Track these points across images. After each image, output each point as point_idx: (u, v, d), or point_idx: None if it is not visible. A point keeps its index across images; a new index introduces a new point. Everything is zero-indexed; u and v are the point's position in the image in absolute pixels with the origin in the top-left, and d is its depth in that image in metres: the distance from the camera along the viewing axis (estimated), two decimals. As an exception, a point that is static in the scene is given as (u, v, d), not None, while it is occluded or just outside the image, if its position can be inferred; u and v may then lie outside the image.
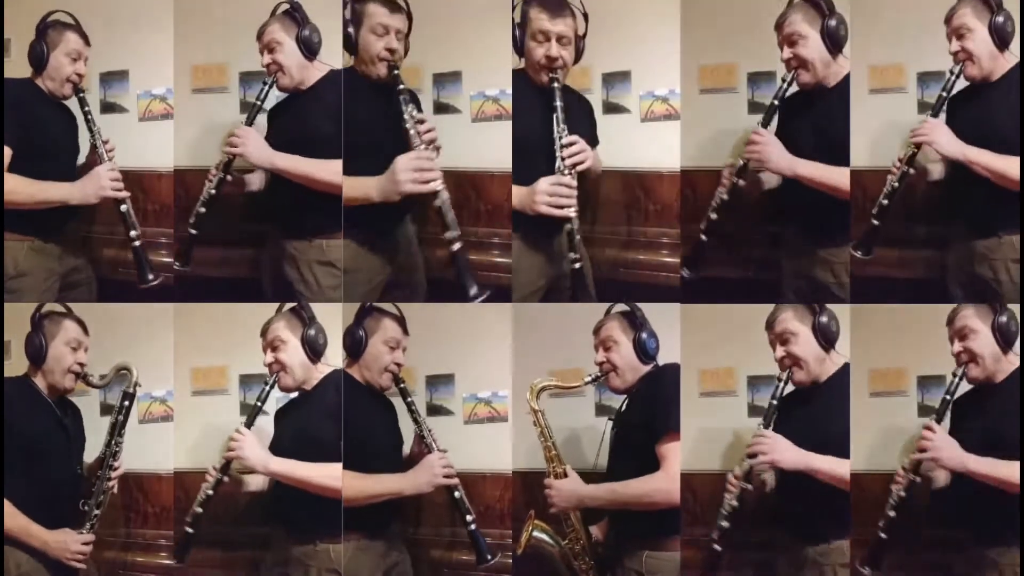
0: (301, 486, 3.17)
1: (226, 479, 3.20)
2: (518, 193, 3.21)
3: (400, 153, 3.17)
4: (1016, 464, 3.02)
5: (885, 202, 3.18)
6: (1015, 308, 3.10)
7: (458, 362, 3.47)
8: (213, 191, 3.26)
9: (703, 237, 3.27)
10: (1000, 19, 3.10)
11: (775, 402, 3.11)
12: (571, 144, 3.19)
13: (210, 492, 3.20)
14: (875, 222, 3.19)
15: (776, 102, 3.21)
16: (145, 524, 3.45)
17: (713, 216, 3.25)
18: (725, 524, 3.13)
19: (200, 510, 3.20)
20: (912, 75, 3.38)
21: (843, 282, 3.23)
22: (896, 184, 3.16)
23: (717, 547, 3.16)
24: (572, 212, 3.19)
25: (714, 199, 3.26)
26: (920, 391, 3.35)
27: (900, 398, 3.35)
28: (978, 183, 3.13)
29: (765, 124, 3.21)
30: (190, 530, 3.22)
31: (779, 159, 3.19)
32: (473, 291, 3.18)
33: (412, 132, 3.16)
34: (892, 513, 3.10)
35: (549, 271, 3.29)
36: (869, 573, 3.13)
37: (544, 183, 3.18)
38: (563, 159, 3.18)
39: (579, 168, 3.21)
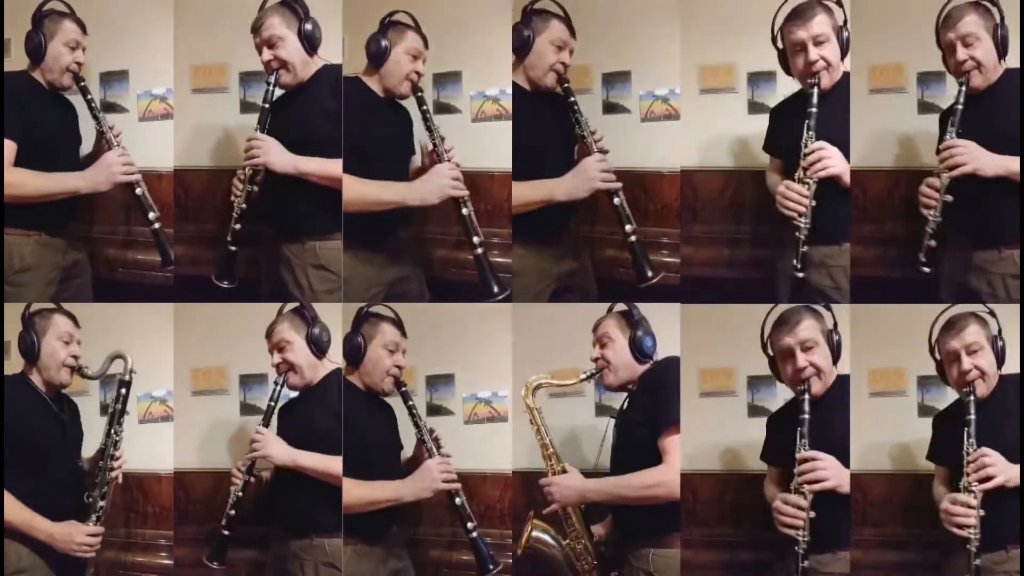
0: (328, 479, 3.16)
1: (252, 479, 3.20)
2: (549, 186, 3.22)
3: (406, 166, 3.28)
4: None
5: (933, 243, 3.09)
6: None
7: (458, 362, 3.46)
8: (244, 205, 3.23)
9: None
10: (1002, 29, 3.06)
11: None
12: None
13: (240, 494, 3.18)
14: (932, 243, 3.10)
15: (815, 110, 3.11)
16: (145, 524, 3.45)
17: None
18: None
19: (233, 512, 3.19)
20: (912, 75, 3.38)
21: (842, 286, 3.21)
22: (939, 219, 3.07)
23: None
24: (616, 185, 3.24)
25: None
26: (920, 391, 3.35)
27: (900, 398, 3.36)
28: (982, 194, 3.08)
29: (812, 133, 3.11)
30: (226, 532, 3.20)
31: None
32: (496, 288, 3.20)
33: (441, 151, 3.22)
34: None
35: (554, 271, 3.31)
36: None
37: (593, 160, 3.21)
38: (596, 141, 3.24)
39: None
